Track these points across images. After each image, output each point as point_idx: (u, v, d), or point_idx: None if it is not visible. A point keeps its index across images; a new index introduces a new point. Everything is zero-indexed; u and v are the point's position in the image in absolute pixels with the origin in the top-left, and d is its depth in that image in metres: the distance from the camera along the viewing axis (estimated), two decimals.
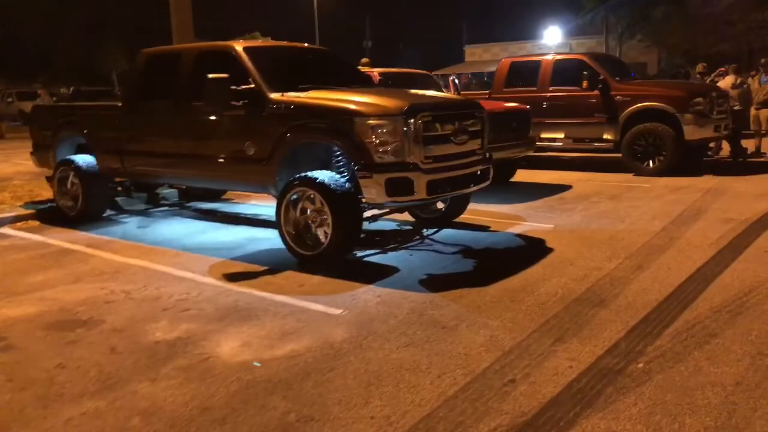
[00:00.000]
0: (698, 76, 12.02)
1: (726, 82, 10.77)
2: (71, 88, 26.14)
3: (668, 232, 5.52)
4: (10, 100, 27.47)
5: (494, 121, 6.85)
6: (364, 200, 4.62)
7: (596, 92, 9.35)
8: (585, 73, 9.35)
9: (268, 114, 4.95)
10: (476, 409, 2.59)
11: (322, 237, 4.66)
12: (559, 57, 10.52)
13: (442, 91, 8.80)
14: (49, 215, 6.81)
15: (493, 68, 11.31)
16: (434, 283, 4.29)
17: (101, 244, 5.65)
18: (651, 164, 8.95)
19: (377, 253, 5.07)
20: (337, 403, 2.67)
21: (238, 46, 5.36)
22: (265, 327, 3.54)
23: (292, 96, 4.93)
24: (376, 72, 8.43)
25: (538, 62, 10.38)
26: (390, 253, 5.08)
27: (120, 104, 6.34)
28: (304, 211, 4.75)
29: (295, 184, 4.70)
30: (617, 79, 9.52)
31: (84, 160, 6.45)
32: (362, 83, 6.04)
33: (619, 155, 9.29)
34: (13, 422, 2.60)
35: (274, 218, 4.94)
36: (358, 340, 3.32)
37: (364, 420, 2.53)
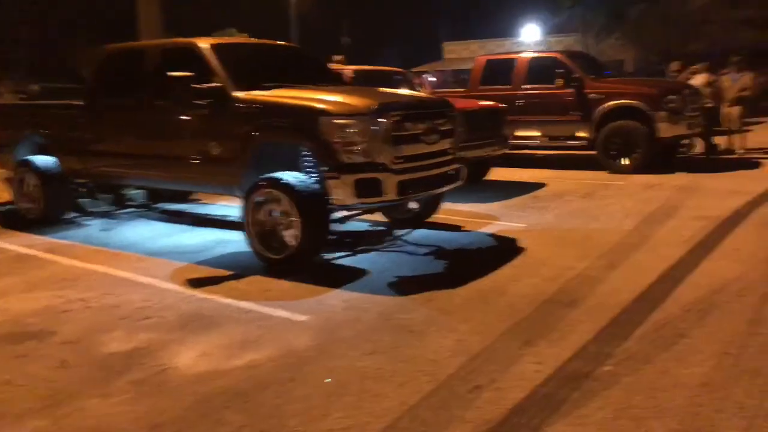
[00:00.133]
0: (673, 74, 12.13)
1: (699, 80, 10.87)
2: (39, 86, 25.39)
3: (641, 231, 5.50)
4: None
5: (468, 120, 6.81)
6: (332, 202, 4.51)
7: (571, 90, 9.35)
8: (559, 70, 9.34)
9: (233, 113, 4.80)
10: (439, 418, 2.50)
11: (289, 240, 4.53)
12: (534, 55, 10.51)
13: (415, 90, 8.70)
14: (6, 218, 6.56)
15: (471, 66, 11.25)
16: (404, 285, 4.19)
17: (61, 248, 5.44)
18: (625, 162, 8.97)
19: (347, 256, 4.96)
20: (295, 415, 2.56)
21: (201, 43, 5.19)
22: (226, 335, 3.41)
23: (256, 94, 4.79)
24: (349, 69, 8.31)
25: (514, 60, 10.35)
26: (360, 255, 4.97)
27: (81, 103, 6.13)
28: (270, 213, 4.61)
29: (260, 186, 4.56)
30: (592, 76, 9.53)
31: (43, 160, 6.23)
32: (333, 81, 5.92)
33: (594, 153, 9.30)
34: None
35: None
36: (322, 348, 3.21)
37: None
